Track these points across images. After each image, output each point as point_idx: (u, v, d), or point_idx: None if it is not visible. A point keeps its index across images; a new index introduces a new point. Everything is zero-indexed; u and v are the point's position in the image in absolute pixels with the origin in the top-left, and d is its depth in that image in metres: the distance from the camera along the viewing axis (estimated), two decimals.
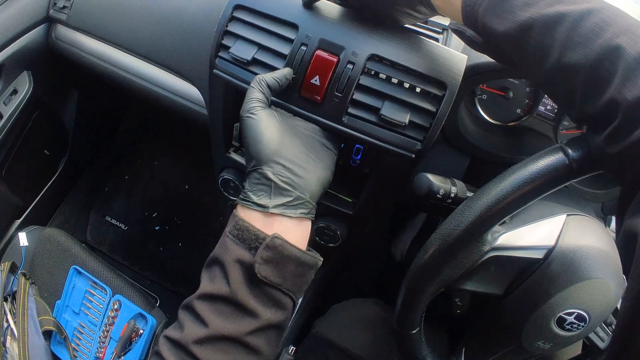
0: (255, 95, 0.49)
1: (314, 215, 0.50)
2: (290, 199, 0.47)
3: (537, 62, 0.39)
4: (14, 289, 0.89)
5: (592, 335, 0.60)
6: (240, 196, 0.49)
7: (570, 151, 0.38)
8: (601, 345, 0.60)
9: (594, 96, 0.35)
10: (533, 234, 0.51)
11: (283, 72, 0.52)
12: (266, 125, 0.48)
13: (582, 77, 0.35)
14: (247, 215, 0.47)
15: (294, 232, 0.47)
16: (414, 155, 0.53)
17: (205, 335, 0.43)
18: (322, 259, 0.50)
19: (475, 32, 0.44)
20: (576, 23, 0.36)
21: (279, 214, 0.46)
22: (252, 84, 0.50)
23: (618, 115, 0.33)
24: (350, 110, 0.53)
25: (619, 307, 0.56)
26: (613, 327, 0.60)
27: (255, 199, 0.47)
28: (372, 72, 0.52)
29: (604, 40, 0.34)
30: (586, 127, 0.39)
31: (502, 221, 0.50)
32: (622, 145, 0.33)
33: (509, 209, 0.41)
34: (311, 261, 0.48)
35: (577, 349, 0.65)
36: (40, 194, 1.18)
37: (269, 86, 0.50)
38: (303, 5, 0.55)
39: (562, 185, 0.40)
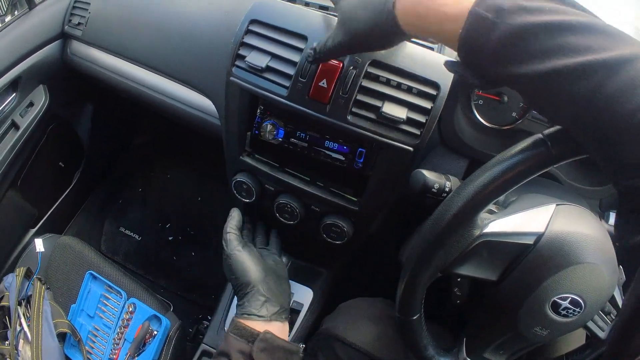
0: (232, 233, 0.78)
1: (289, 320, 0.75)
2: (278, 308, 0.71)
3: (560, 109, 0.37)
4: (29, 294, 0.95)
5: (592, 326, 0.62)
6: (242, 313, 0.70)
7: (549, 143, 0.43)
8: (601, 335, 0.62)
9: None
10: (523, 221, 0.56)
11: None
12: (250, 260, 0.74)
13: (620, 128, 0.33)
14: (246, 322, 0.68)
15: (280, 331, 0.70)
16: (412, 149, 0.61)
17: None
18: (302, 347, 0.72)
19: (476, 72, 0.43)
20: (607, 78, 0.33)
21: (274, 320, 0.70)
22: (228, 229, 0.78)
23: None
24: (354, 109, 0.63)
25: (616, 296, 0.60)
26: (612, 316, 0.63)
27: (255, 311, 0.69)
28: (373, 76, 0.62)
29: None
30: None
31: (490, 209, 0.57)
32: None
33: (494, 194, 0.47)
34: (294, 348, 0.70)
35: (581, 340, 0.68)
36: (55, 205, 1.26)
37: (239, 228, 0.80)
38: (309, 63, 0.63)
39: (544, 170, 0.45)
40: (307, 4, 0.70)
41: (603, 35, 0.34)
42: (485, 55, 0.39)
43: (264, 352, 0.66)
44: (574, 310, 0.55)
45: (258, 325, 0.68)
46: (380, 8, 0.47)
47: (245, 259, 0.74)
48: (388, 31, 0.48)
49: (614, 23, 0.36)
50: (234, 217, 0.80)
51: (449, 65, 0.46)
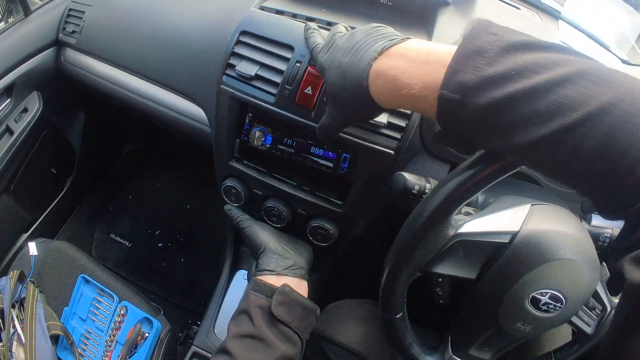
0: (241, 216, 0.84)
1: (307, 278, 0.77)
2: (291, 263, 0.75)
3: (550, 170, 0.38)
4: (22, 296, 0.97)
5: (578, 322, 0.64)
6: (256, 272, 0.74)
7: None
8: (588, 330, 0.64)
9: None
10: (497, 221, 0.59)
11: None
12: (261, 228, 0.82)
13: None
14: (263, 278, 0.71)
15: (297, 287, 0.72)
16: (393, 153, 0.65)
17: None
18: (319, 307, 0.74)
19: (462, 144, 0.45)
20: (583, 137, 0.33)
21: (285, 274, 0.73)
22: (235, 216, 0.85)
23: None
24: None
25: (600, 292, 0.63)
26: (597, 311, 0.65)
27: (266, 267, 0.73)
28: None
29: None
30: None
31: (467, 210, 0.60)
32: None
33: (467, 194, 0.50)
34: (312, 306, 0.72)
35: (568, 337, 0.70)
36: (47, 210, 1.29)
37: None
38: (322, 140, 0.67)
39: (512, 172, 0.48)
40: (294, 16, 0.75)
41: (570, 89, 0.34)
42: (463, 132, 0.41)
43: (283, 306, 0.68)
44: (555, 306, 0.57)
45: (272, 280, 0.71)
46: (358, 90, 0.50)
47: (257, 228, 0.82)
48: (370, 109, 0.52)
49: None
50: (232, 209, 0.87)
51: (438, 137, 0.48)
